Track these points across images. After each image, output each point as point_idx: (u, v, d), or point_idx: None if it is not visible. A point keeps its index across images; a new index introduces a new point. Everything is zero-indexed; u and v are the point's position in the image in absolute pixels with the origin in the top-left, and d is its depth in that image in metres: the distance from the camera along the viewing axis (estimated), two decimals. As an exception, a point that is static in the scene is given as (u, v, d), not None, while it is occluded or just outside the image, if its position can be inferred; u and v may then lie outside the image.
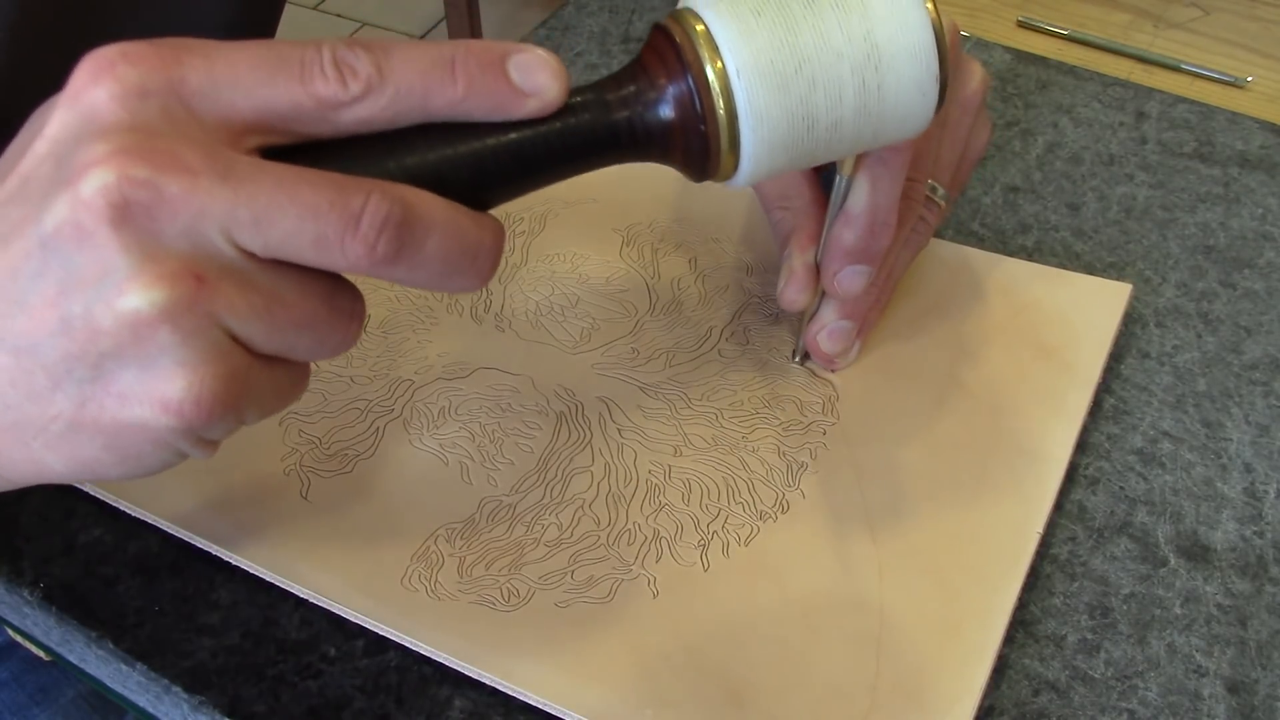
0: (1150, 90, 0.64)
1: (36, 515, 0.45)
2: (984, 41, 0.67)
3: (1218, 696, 0.41)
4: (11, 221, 0.29)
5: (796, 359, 0.49)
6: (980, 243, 0.56)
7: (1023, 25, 0.70)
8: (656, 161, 0.34)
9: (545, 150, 0.32)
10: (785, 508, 0.44)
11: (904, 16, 0.33)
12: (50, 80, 0.31)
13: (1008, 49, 0.67)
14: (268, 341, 0.30)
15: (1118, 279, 0.54)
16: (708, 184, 0.56)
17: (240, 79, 0.29)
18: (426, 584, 0.42)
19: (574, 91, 0.33)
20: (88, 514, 0.45)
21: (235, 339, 0.29)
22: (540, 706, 0.39)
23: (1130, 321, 0.52)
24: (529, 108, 0.31)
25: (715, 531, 0.43)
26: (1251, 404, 0.49)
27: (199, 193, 0.28)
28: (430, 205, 0.30)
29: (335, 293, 0.31)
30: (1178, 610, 0.43)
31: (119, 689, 0.45)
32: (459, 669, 0.40)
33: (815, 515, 0.44)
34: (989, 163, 0.60)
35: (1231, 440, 0.48)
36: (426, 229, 0.30)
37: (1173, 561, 0.44)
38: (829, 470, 0.45)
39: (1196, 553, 0.45)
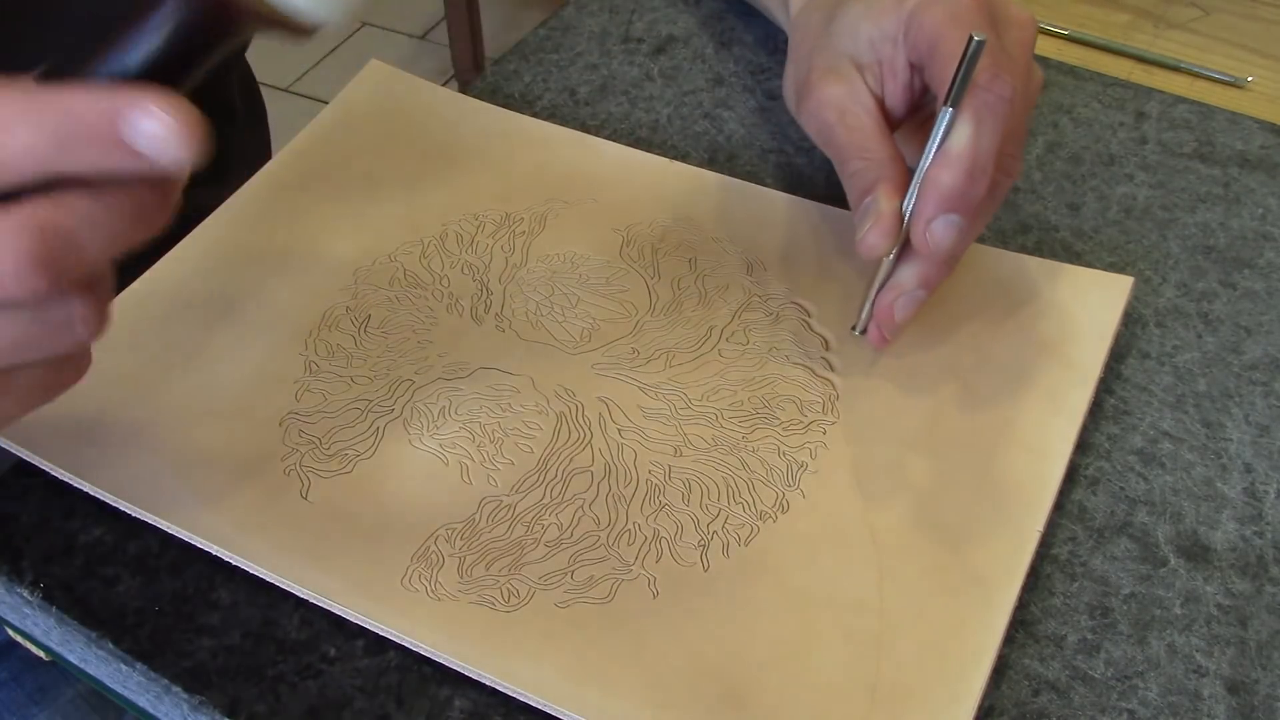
0: (1150, 90, 0.64)
1: (36, 515, 0.45)
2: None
3: (1218, 696, 0.41)
4: None
5: (859, 330, 0.49)
6: (980, 242, 0.56)
7: (1023, 25, 0.70)
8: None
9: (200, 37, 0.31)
10: (785, 508, 0.44)
11: None
12: None
13: (1008, 49, 0.67)
14: None
15: (1118, 279, 0.54)
16: (709, 183, 0.56)
17: None
18: (426, 584, 0.42)
19: None
20: (88, 514, 0.45)
21: None
22: (540, 707, 0.39)
23: (1130, 322, 0.52)
24: (153, 171, 0.30)
25: (715, 531, 0.43)
26: (1251, 404, 0.49)
27: None
28: (74, 215, 0.30)
29: (43, 308, 0.31)
30: (1178, 610, 0.43)
31: (119, 689, 0.45)
32: (459, 669, 0.40)
33: (815, 515, 0.44)
34: (989, 163, 0.60)
35: (1231, 440, 0.48)
36: (81, 238, 0.30)
37: (1173, 561, 0.44)
38: (829, 470, 0.45)
39: (1196, 553, 0.45)
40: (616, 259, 0.53)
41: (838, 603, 0.41)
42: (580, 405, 0.47)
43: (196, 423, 0.47)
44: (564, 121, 0.60)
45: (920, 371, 0.48)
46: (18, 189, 0.29)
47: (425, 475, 0.45)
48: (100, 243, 0.30)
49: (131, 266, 0.49)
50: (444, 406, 0.47)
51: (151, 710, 0.44)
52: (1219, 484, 0.47)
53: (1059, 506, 0.45)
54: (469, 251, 0.53)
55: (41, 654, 0.50)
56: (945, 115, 0.42)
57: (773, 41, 0.66)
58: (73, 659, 0.45)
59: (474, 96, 0.62)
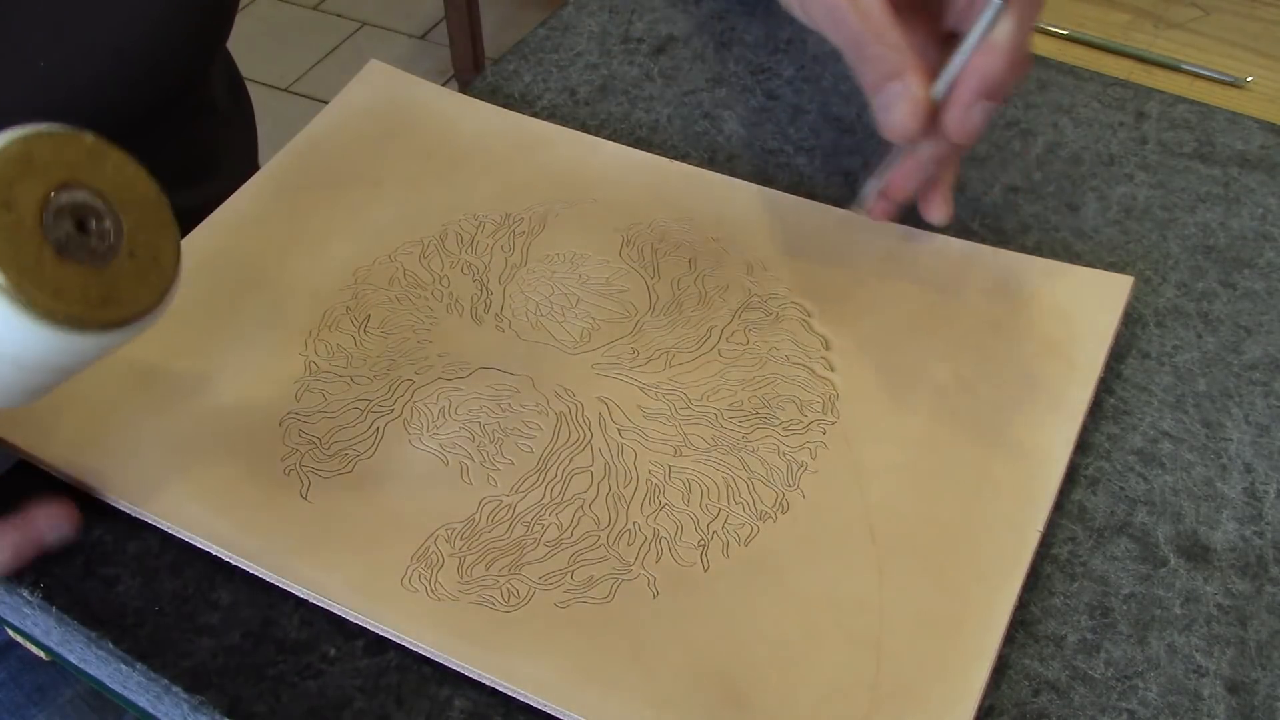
0: (1150, 90, 0.64)
1: (36, 515, 0.45)
2: (984, 41, 0.67)
3: (1218, 696, 0.41)
4: None
5: (865, 209, 0.52)
6: (980, 242, 0.56)
7: (1023, 25, 0.70)
8: None
9: None
10: (785, 508, 0.44)
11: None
12: None
13: (1008, 49, 0.67)
14: None
15: (1118, 279, 0.54)
16: (709, 183, 0.56)
17: None
18: (426, 584, 0.42)
19: None
20: (88, 514, 0.45)
21: None
22: (540, 707, 0.39)
23: (1130, 321, 0.52)
24: None
25: (715, 531, 0.43)
26: (1251, 404, 0.49)
27: None
28: None
29: None
30: (1178, 610, 0.43)
31: (119, 689, 0.45)
32: (459, 669, 0.40)
33: (815, 515, 0.44)
34: (989, 162, 0.60)
35: (1231, 440, 0.48)
36: None
37: (1173, 561, 0.44)
38: (829, 470, 0.45)
39: (1196, 553, 0.45)
40: (616, 259, 0.53)
41: (837, 602, 0.41)
42: (580, 405, 0.47)
43: (197, 423, 0.47)
44: (564, 121, 0.60)
45: (920, 370, 0.48)
46: None
47: (425, 475, 0.45)
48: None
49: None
50: (444, 406, 0.47)
51: (151, 710, 0.44)
52: (1219, 484, 0.47)
53: (1059, 506, 0.45)
54: (469, 251, 0.53)
55: (41, 654, 0.50)
56: (993, 7, 0.44)
57: (773, 42, 0.66)
58: (73, 659, 0.45)
59: (474, 96, 0.62)
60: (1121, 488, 0.46)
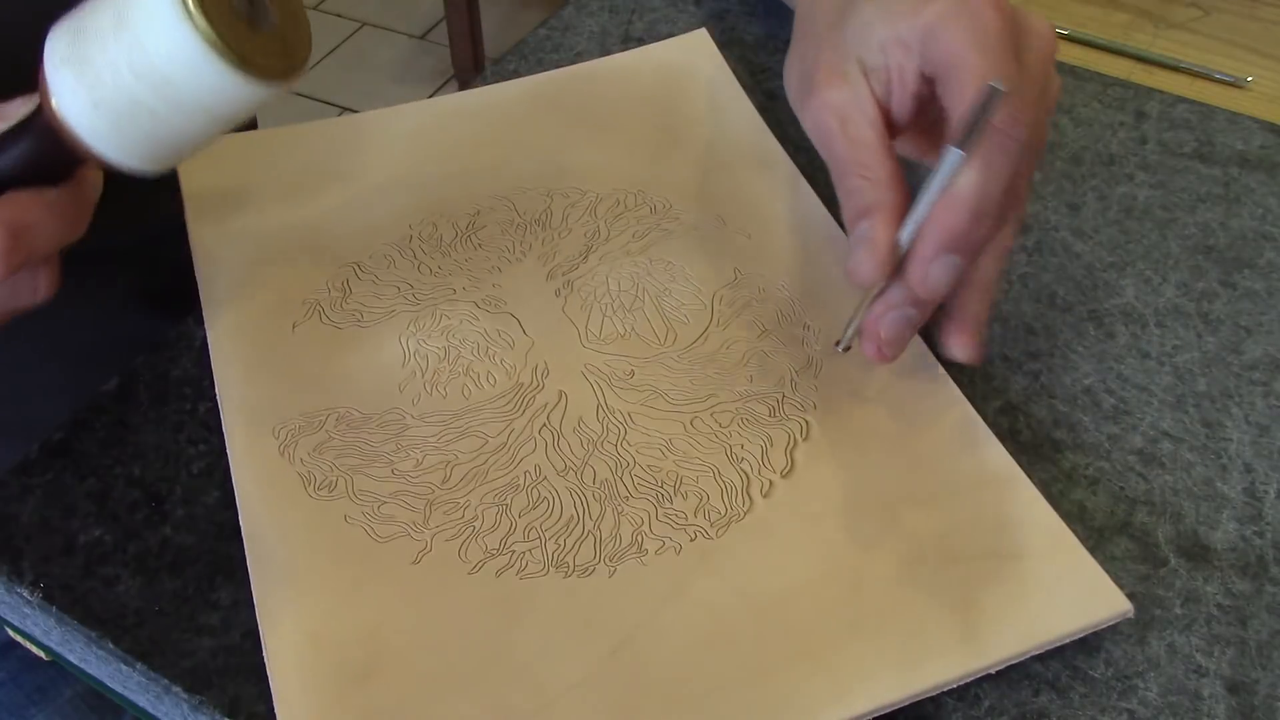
0: (1150, 90, 0.64)
1: (36, 515, 0.45)
2: (984, 41, 0.67)
3: (1218, 696, 0.41)
4: None
5: (841, 347, 0.47)
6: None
7: (1023, 25, 0.70)
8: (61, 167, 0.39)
9: None
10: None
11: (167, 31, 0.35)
12: None
13: (1008, 49, 0.67)
14: None
15: (1118, 279, 0.54)
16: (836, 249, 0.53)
17: None
18: (285, 444, 0.46)
19: None
20: (88, 514, 0.45)
21: None
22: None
23: (1130, 321, 0.52)
24: None
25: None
26: (1251, 404, 0.49)
27: None
28: None
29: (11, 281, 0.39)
30: (1178, 610, 0.43)
31: (119, 689, 0.45)
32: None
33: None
34: (989, 163, 0.59)
35: (1231, 440, 0.48)
36: None
37: (1173, 561, 0.44)
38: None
39: (1196, 553, 0.45)
40: (707, 296, 0.51)
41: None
42: (542, 386, 0.48)
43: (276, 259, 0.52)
44: (564, 121, 0.60)
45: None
46: None
47: (384, 363, 0.48)
48: (47, 237, 0.39)
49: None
50: (449, 325, 0.50)
51: (151, 710, 0.44)
52: (1219, 484, 0.47)
53: (1059, 506, 0.45)
54: (607, 219, 0.54)
55: (41, 654, 0.50)
56: (953, 156, 0.40)
57: (773, 42, 0.66)
58: (72, 659, 0.45)
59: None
60: (1121, 488, 0.46)
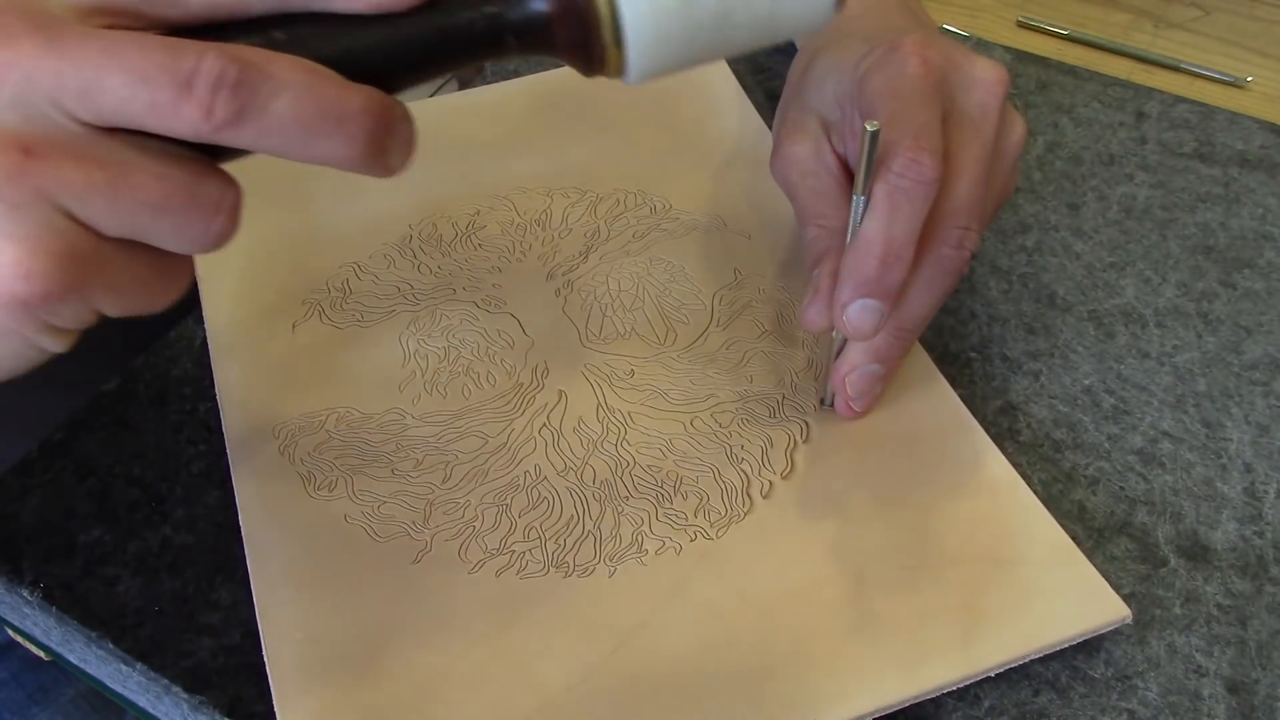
0: (1150, 90, 0.64)
1: (36, 515, 0.45)
2: (984, 41, 0.67)
3: (1218, 696, 0.41)
4: None
5: (825, 405, 0.47)
6: (980, 242, 0.56)
7: (1023, 25, 0.70)
8: (541, 54, 0.33)
9: (418, 43, 0.31)
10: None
11: None
12: None
13: (1008, 49, 0.67)
14: (114, 222, 0.28)
15: (1118, 279, 0.54)
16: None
17: None
18: (284, 444, 0.46)
19: None
20: (88, 514, 0.45)
21: (75, 218, 0.28)
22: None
23: (1130, 321, 0.52)
24: None
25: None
26: (1251, 404, 0.49)
27: (22, 59, 0.27)
28: (279, 65, 0.28)
29: (199, 178, 0.29)
30: (1178, 610, 0.43)
31: (119, 689, 0.45)
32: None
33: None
34: (989, 163, 0.60)
35: (1231, 440, 0.48)
36: (274, 90, 0.28)
37: (1173, 561, 0.44)
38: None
39: (1196, 553, 0.45)
40: (708, 297, 0.51)
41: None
42: (541, 386, 0.48)
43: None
44: (564, 121, 0.60)
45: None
46: (282, 8, 0.29)
47: (382, 361, 0.48)
48: (282, 111, 0.28)
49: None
50: (450, 325, 0.50)
51: (151, 710, 0.44)
52: (1219, 484, 0.47)
53: (1059, 506, 0.45)
54: (607, 218, 0.54)
55: (41, 654, 0.50)
56: (858, 203, 0.41)
57: (773, 41, 0.66)
58: (73, 659, 0.45)
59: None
60: (1121, 488, 0.46)
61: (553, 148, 0.58)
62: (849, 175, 0.45)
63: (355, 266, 0.52)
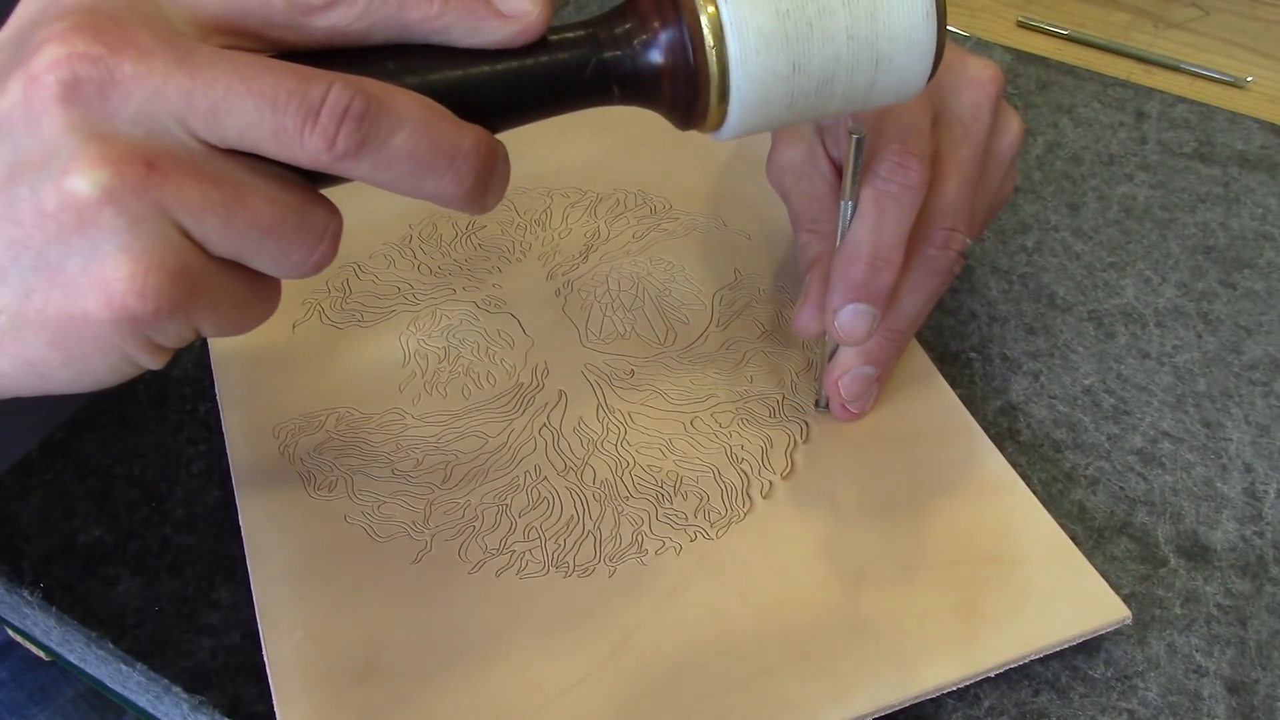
0: (1150, 90, 0.64)
1: (36, 515, 0.45)
2: (984, 41, 0.67)
3: (1218, 696, 0.41)
4: None
5: (821, 407, 0.47)
6: (980, 242, 0.56)
7: (1023, 25, 0.70)
8: (643, 106, 0.33)
9: (529, 84, 0.31)
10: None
11: None
12: None
13: (1008, 49, 0.67)
14: (224, 242, 0.29)
15: (1118, 279, 0.54)
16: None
17: None
18: (290, 448, 0.46)
19: (563, 28, 0.32)
20: (88, 514, 0.45)
21: (189, 236, 0.28)
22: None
23: (1130, 321, 0.52)
24: (508, 31, 0.30)
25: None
26: (1251, 404, 0.49)
27: (153, 75, 0.27)
28: (400, 100, 0.29)
29: (308, 205, 0.30)
30: (1178, 610, 0.43)
31: (119, 689, 0.45)
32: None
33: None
34: (989, 163, 0.60)
35: (1231, 440, 0.48)
36: (394, 125, 0.29)
37: (1173, 561, 0.44)
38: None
39: (1196, 553, 0.45)
40: (708, 297, 0.51)
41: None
42: (541, 385, 0.48)
43: None
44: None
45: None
46: (403, 39, 0.30)
47: (381, 360, 0.49)
48: (399, 146, 0.29)
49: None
50: (450, 325, 0.50)
51: (151, 710, 0.44)
52: (1219, 484, 0.47)
53: (1059, 507, 0.45)
54: (607, 218, 0.54)
55: (41, 654, 0.50)
56: (845, 208, 0.42)
57: (773, 41, 0.66)
58: (73, 659, 0.45)
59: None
60: (1121, 488, 0.46)
61: (553, 148, 0.58)
62: (841, 181, 0.45)
63: (355, 266, 0.52)
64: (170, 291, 0.28)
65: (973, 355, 0.51)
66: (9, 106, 0.27)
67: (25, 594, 0.43)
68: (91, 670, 0.45)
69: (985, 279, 0.54)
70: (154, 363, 0.30)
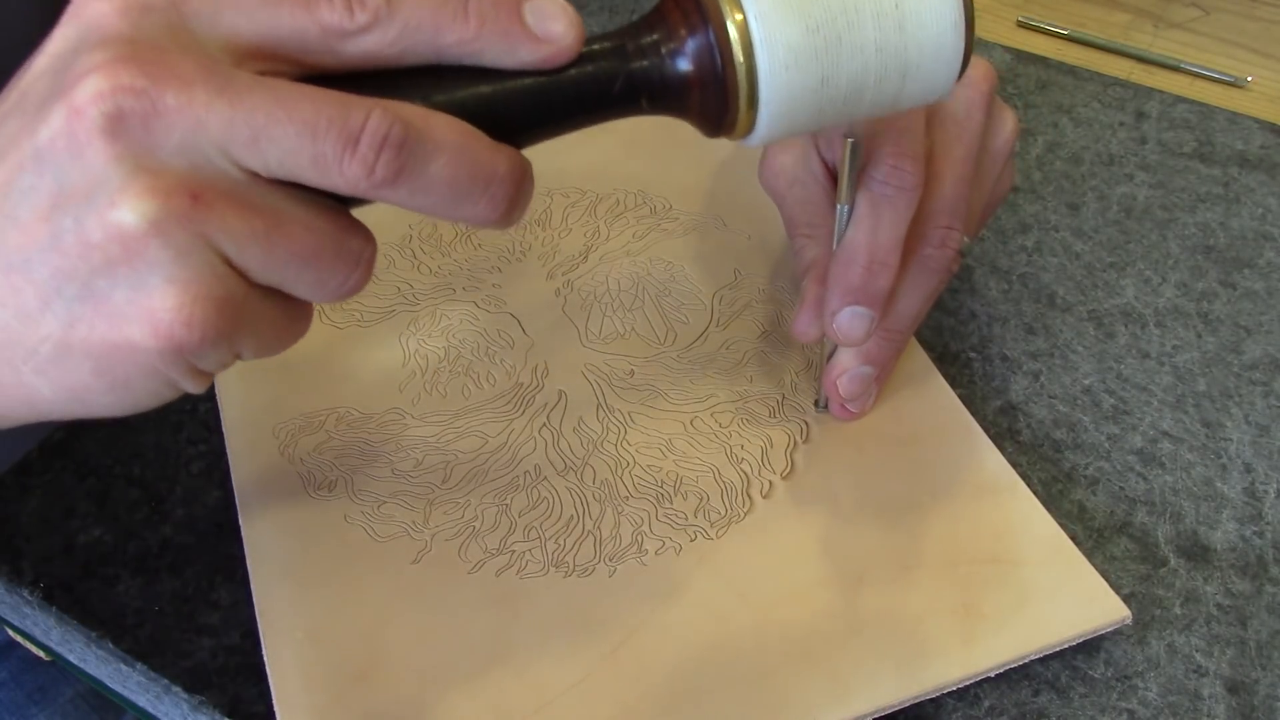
0: (1150, 90, 0.64)
1: (36, 515, 0.45)
2: (984, 41, 0.67)
3: (1218, 696, 0.41)
4: (8, 134, 0.29)
5: (820, 406, 0.47)
6: (980, 242, 0.56)
7: (1023, 25, 0.70)
8: (673, 115, 0.34)
9: (559, 99, 0.31)
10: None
11: None
12: None
13: (1008, 49, 0.67)
14: (266, 270, 0.29)
15: (1118, 279, 0.54)
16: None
17: (244, 1, 0.29)
18: (285, 443, 0.46)
19: (590, 39, 0.32)
20: (88, 514, 0.45)
21: (231, 264, 0.29)
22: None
23: (1130, 321, 0.52)
24: (542, 54, 0.30)
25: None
26: (1251, 404, 0.49)
27: (196, 105, 0.27)
28: (438, 127, 0.29)
29: (345, 232, 0.30)
30: (1178, 610, 0.43)
31: (119, 689, 0.45)
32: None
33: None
34: (989, 163, 0.59)
35: (1231, 440, 0.48)
36: (431, 151, 0.29)
37: (1173, 561, 0.44)
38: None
39: (1196, 553, 0.45)
40: (709, 297, 0.51)
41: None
42: (541, 385, 0.48)
43: None
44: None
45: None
46: (437, 60, 0.30)
47: (380, 361, 0.48)
48: (436, 173, 0.29)
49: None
50: (449, 325, 0.50)
51: (151, 710, 0.44)
52: (1219, 484, 0.47)
53: (1059, 507, 0.45)
54: (607, 218, 0.54)
55: (41, 654, 0.50)
56: (842, 211, 0.42)
57: (773, 41, 0.66)
58: (73, 659, 0.45)
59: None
60: (1121, 488, 0.46)
61: (552, 148, 0.57)
62: (835, 184, 0.45)
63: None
64: (216, 321, 0.28)
65: (972, 355, 0.51)
66: (52, 136, 0.27)
67: (25, 594, 0.43)
68: (91, 670, 0.45)
69: (985, 279, 0.54)
70: (196, 388, 0.30)
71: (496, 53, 0.30)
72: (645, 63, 0.32)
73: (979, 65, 0.45)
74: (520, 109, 0.31)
